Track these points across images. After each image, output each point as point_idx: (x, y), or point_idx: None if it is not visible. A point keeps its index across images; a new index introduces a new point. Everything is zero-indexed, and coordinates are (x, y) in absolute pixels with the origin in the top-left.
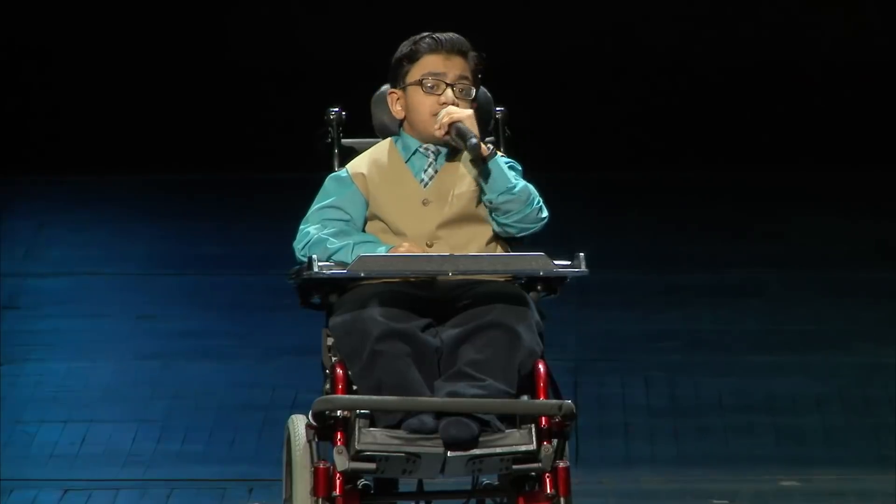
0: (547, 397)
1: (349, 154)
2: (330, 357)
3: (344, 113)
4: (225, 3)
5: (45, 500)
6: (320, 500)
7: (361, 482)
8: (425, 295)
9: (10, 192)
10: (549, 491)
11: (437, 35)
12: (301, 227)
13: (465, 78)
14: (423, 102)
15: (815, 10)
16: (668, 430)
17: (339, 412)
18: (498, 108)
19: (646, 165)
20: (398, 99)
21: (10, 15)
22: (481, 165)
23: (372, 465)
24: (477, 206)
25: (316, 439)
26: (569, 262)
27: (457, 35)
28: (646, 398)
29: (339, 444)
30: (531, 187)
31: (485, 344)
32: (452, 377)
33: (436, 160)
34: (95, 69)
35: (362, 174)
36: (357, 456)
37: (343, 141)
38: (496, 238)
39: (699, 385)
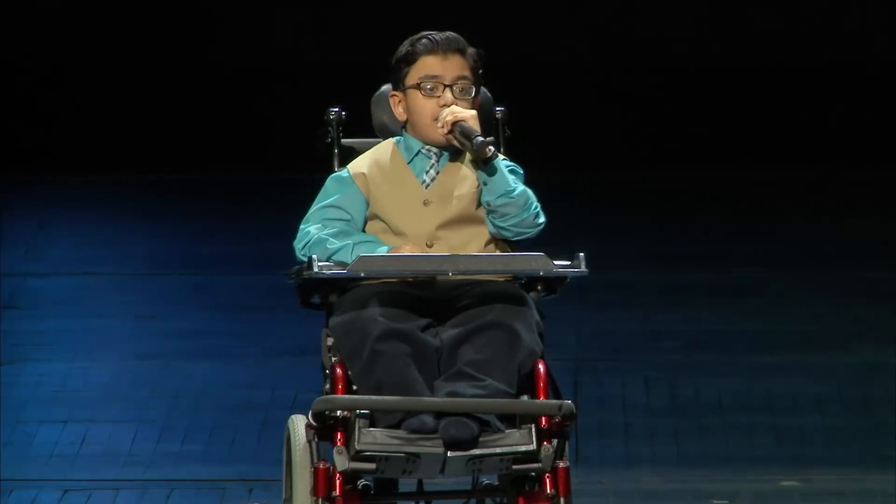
0: (547, 397)
1: (349, 154)
2: (330, 357)
3: (344, 113)
4: (230, 3)
5: (45, 500)
6: (320, 500)
7: (361, 482)
8: (425, 295)
9: (10, 192)
10: (549, 491)
11: (434, 35)
12: (301, 226)
13: (464, 77)
14: (423, 106)
15: (815, 10)
16: (668, 430)
17: (338, 412)
18: (498, 108)
19: (646, 165)
20: (399, 101)
21: (10, 17)
22: (482, 167)
23: (372, 466)
24: (477, 208)
25: (316, 439)
26: (569, 263)
27: (454, 34)
28: (646, 398)
29: (339, 444)
30: (530, 192)
31: (485, 344)
32: (452, 377)
33: (438, 161)
34: (95, 69)
35: (363, 174)
36: (357, 456)
37: (343, 141)
38: (495, 239)
39: (699, 385)
